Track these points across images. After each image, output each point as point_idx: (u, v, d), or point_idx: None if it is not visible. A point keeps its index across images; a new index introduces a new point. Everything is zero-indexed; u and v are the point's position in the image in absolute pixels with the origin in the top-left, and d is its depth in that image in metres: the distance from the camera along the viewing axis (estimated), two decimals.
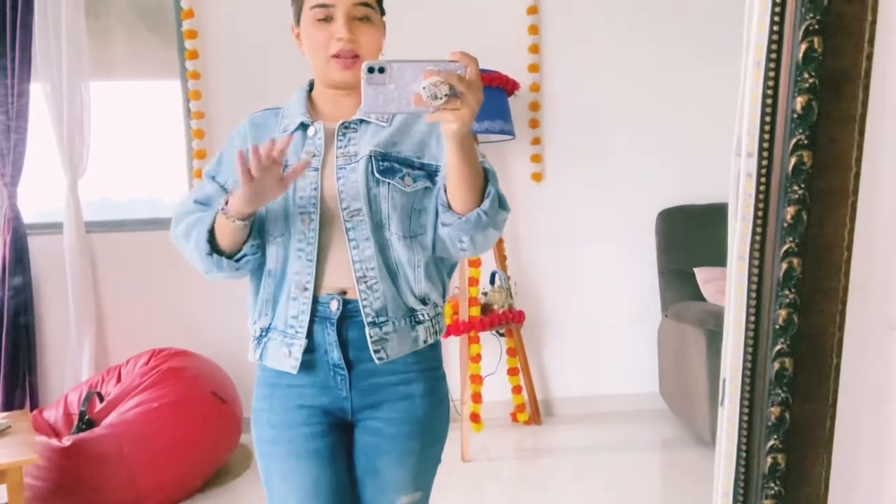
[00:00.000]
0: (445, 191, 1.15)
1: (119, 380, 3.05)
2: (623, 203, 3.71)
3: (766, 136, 0.68)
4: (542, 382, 3.76)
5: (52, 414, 2.99)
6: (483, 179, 1.13)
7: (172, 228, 1.30)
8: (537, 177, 3.70)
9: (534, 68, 3.65)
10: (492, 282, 3.48)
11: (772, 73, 0.66)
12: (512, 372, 3.56)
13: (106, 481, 2.59)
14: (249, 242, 1.22)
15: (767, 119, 0.67)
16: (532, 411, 3.60)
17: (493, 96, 3.26)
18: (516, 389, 3.58)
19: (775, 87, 0.67)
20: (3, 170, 3.36)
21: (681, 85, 3.67)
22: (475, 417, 3.24)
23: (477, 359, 3.31)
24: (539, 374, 3.74)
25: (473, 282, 3.29)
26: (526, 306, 3.63)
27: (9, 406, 3.33)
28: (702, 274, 3.40)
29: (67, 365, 3.43)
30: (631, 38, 3.66)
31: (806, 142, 0.66)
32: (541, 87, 3.68)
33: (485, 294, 3.44)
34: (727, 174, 3.34)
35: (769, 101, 0.67)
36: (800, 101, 0.66)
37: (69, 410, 2.97)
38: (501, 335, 3.58)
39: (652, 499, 2.82)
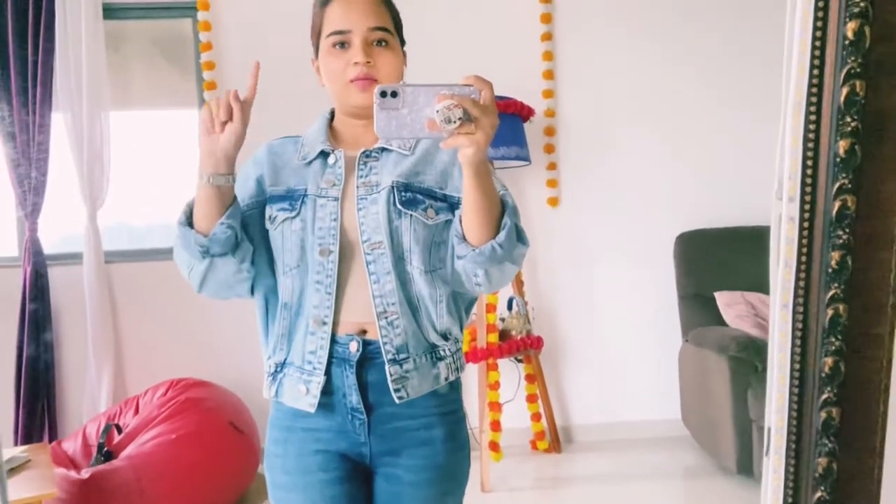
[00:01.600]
0: (461, 222, 1.12)
1: (137, 411, 3.05)
2: (641, 227, 3.68)
3: (809, 181, 0.66)
4: (561, 409, 3.71)
5: (71, 446, 2.98)
6: (500, 210, 1.10)
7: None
8: (553, 202, 3.69)
9: (548, 94, 3.66)
10: (509, 308, 3.46)
11: (813, 118, 0.65)
12: (531, 399, 3.52)
13: None
14: (222, 220, 1.15)
15: (809, 163, 0.66)
16: (552, 439, 3.56)
17: (509, 123, 3.26)
18: (535, 416, 3.54)
19: (817, 131, 0.65)
20: (24, 201, 3.39)
21: (697, 109, 3.66)
22: (494, 446, 3.20)
23: (495, 386, 3.28)
24: (558, 400, 3.70)
25: (491, 308, 3.27)
26: (544, 332, 3.60)
27: (28, 438, 3.33)
28: (722, 298, 3.36)
29: (86, 396, 3.43)
30: (646, 62, 3.67)
31: (849, 186, 0.65)
32: (556, 112, 3.68)
33: (502, 320, 3.42)
34: (746, 197, 3.28)
35: (811, 144, 0.66)
36: (842, 146, 0.64)
37: (88, 442, 2.96)
38: (520, 361, 3.55)
39: None
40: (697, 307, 3.47)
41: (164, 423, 2.81)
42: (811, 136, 0.65)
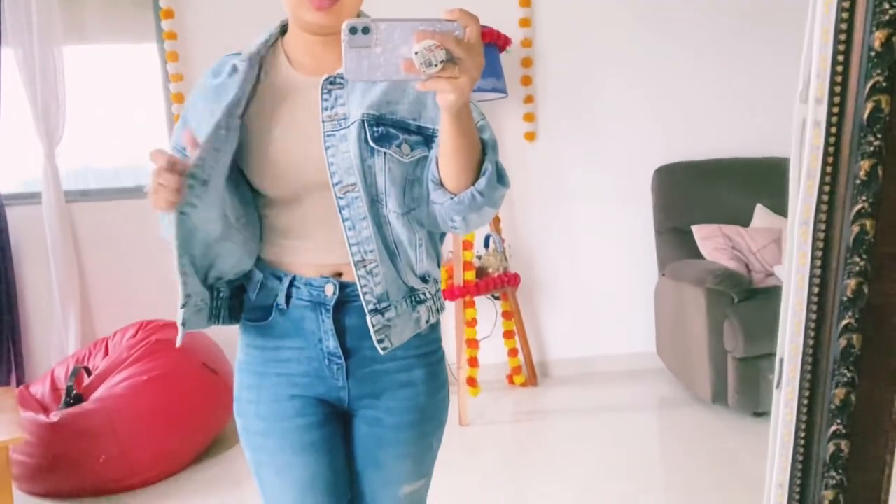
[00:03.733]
0: (437, 165, 1.02)
1: (106, 353, 2.98)
2: (618, 161, 3.63)
3: (839, 79, 0.59)
4: (538, 344, 3.72)
5: (40, 389, 2.91)
6: (479, 153, 0.99)
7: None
8: (531, 136, 3.61)
9: (525, 23, 3.53)
10: (486, 245, 3.41)
11: (846, 4, 0.57)
12: (508, 335, 3.52)
13: (97, 456, 2.53)
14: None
15: (840, 59, 0.59)
16: (528, 373, 3.57)
17: (485, 53, 3.13)
18: (512, 352, 3.54)
19: (850, 21, 0.58)
20: None
21: (677, 38, 3.56)
22: (472, 381, 3.20)
23: (473, 323, 3.26)
24: (535, 336, 3.70)
25: (468, 245, 3.22)
26: (521, 268, 3.57)
27: None
28: (699, 231, 3.34)
29: (53, 339, 3.35)
30: None
31: (885, 84, 0.57)
32: (533, 42, 3.56)
33: (479, 258, 3.38)
34: (724, 130, 3.22)
35: (843, 37, 0.59)
36: (878, 37, 0.57)
37: (57, 385, 2.90)
38: (497, 298, 3.53)
39: (650, 458, 2.81)
40: (674, 241, 3.46)
41: (135, 365, 2.75)
42: (843, 26, 0.58)
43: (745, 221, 3.35)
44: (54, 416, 2.56)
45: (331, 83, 1.07)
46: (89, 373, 2.86)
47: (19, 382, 3.28)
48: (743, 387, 2.82)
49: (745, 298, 2.86)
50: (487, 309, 3.51)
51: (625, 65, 3.58)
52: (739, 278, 2.95)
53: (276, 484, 1.17)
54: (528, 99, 3.58)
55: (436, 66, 0.82)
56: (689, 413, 3.10)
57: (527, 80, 3.56)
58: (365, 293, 1.08)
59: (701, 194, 3.46)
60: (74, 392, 2.74)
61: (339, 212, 1.06)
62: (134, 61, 3.53)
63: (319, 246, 1.11)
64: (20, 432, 2.22)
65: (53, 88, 3.28)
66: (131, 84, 3.48)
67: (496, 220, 3.44)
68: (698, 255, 3.31)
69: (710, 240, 3.28)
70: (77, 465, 2.53)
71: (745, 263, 3.17)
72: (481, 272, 3.34)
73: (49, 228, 3.28)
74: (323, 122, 1.06)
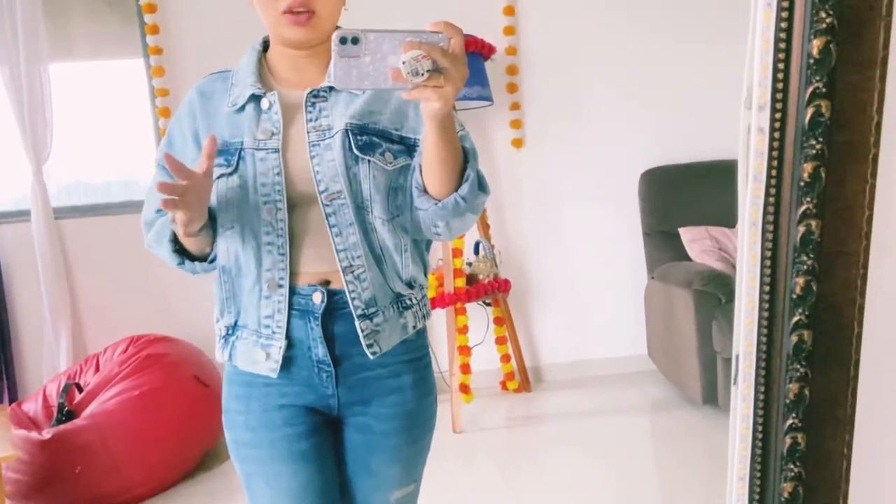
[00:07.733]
0: (420, 172, 1.05)
1: (98, 369, 2.98)
2: (605, 165, 3.65)
3: (780, 86, 0.61)
4: (530, 350, 3.73)
5: (32, 406, 2.91)
6: (462, 161, 1.03)
7: (145, 238, 1.20)
8: (518, 143, 3.63)
9: (510, 31, 3.56)
10: (476, 252, 3.43)
11: (785, 14, 0.59)
12: (500, 341, 3.53)
13: (90, 472, 2.53)
14: (212, 251, 1.16)
15: (781, 66, 0.61)
16: (521, 379, 3.58)
17: (470, 61, 3.14)
18: (505, 358, 3.55)
19: (789, 30, 0.60)
20: None
21: (661, 44, 3.59)
22: (464, 388, 3.21)
23: (464, 330, 3.27)
24: (527, 341, 3.72)
25: (458, 252, 3.23)
26: (511, 274, 3.59)
27: None
28: (686, 234, 3.37)
29: (44, 356, 3.35)
30: None
31: (824, 90, 0.60)
32: (518, 50, 3.58)
33: (469, 264, 3.39)
34: (709, 132, 3.25)
35: (782, 45, 0.61)
36: (816, 45, 0.59)
37: (49, 402, 2.90)
38: (488, 305, 3.54)
39: (644, 460, 2.82)
40: (663, 244, 3.48)
41: (126, 381, 2.75)
42: (783, 35, 0.60)
43: (731, 223, 3.38)
44: (46, 433, 2.56)
45: (314, 96, 1.11)
46: (81, 389, 2.86)
47: (11, 400, 3.27)
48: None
49: (732, 299, 2.86)
50: (479, 315, 3.52)
51: (609, 69, 3.61)
52: (726, 279, 2.97)
53: (267, 494, 1.17)
54: (514, 106, 3.60)
55: (422, 75, 0.86)
56: (680, 414, 3.12)
57: (512, 88, 3.59)
58: (353, 298, 1.10)
59: (687, 197, 3.49)
60: (66, 408, 2.74)
61: (326, 219, 1.09)
62: (120, 77, 3.54)
63: (306, 255, 1.12)
64: (13, 450, 2.23)
65: (40, 106, 3.29)
66: (118, 99, 3.49)
67: (485, 227, 3.46)
68: (686, 258, 3.34)
69: (698, 242, 3.31)
70: (70, 481, 2.52)
71: (732, 264, 3.20)
72: (472, 279, 3.36)
73: (38, 246, 3.29)
74: (308, 132, 1.09)
